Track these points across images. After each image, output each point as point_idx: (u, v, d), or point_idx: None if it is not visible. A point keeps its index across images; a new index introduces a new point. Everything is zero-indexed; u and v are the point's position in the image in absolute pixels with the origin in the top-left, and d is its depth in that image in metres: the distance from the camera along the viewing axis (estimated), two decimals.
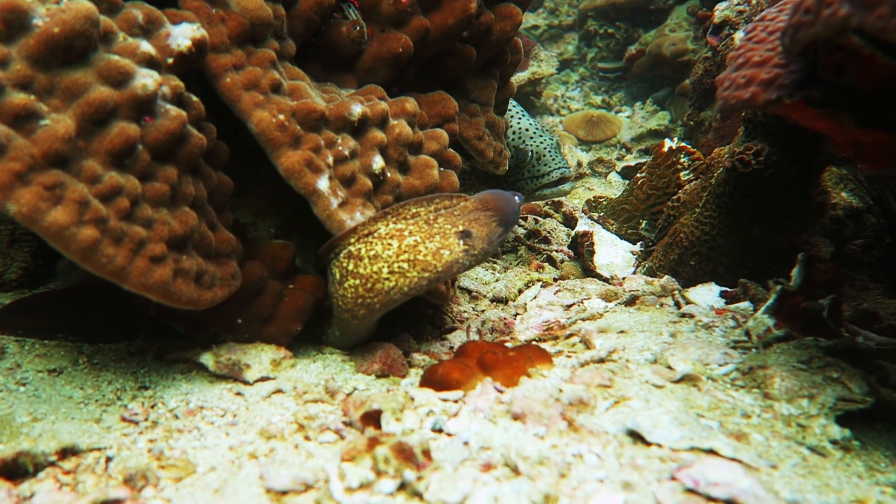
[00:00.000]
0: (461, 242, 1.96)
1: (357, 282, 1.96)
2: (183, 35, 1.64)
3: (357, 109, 2.04)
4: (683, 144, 4.24)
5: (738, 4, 5.31)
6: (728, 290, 2.84)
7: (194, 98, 1.72)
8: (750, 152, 2.78)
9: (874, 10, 1.01)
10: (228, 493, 1.32)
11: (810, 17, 1.16)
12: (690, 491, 1.28)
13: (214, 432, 1.59)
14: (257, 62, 1.90)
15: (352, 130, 2.06)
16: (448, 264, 1.94)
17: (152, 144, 1.56)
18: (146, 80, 1.52)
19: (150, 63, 1.58)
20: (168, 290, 1.58)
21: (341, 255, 2.01)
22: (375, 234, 1.98)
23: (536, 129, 3.46)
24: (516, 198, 2.21)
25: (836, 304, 2.35)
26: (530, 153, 3.33)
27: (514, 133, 3.40)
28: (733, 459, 1.41)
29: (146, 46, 1.57)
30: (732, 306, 2.69)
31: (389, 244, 1.94)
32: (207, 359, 1.89)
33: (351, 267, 1.97)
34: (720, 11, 5.21)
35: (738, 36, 1.69)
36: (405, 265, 1.92)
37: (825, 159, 2.94)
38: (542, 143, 3.39)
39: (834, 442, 1.60)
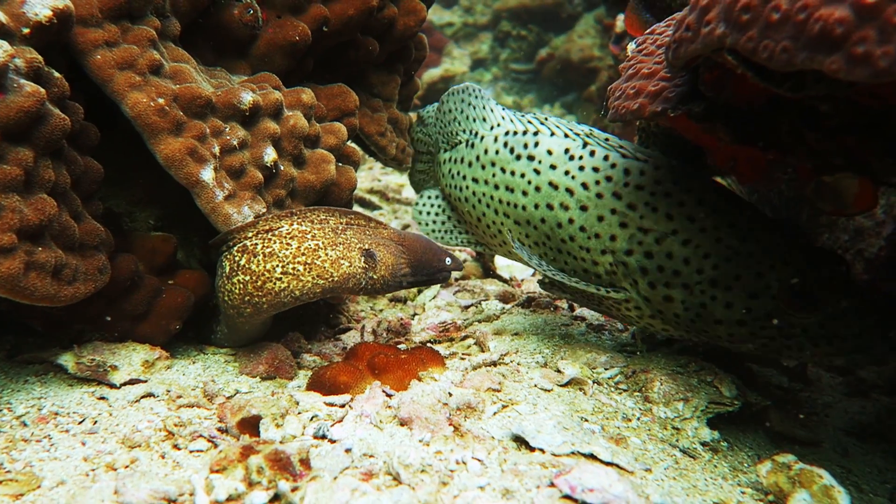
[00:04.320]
0: (362, 259, 1.89)
1: (247, 278, 1.86)
2: (42, 3, 1.48)
3: (248, 97, 1.93)
4: None
5: None
6: None
7: (56, 74, 1.56)
8: None
9: (746, 31, 1.04)
10: None
11: (691, 34, 1.19)
12: (567, 497, 1.28)
13: (68, 441, 1.44)
14: (134, 40, 1.75)
15: (242, 120, 1.95)
16: (345, 276, 1.87)
17: (2, 123, 1.40)
18: None
19: (1, 32, 1.41)
20: (18, 286, 1.42)
21: (235, 248, 1.90)
22: (276, 232, 1.88)
23: None
24: (447, 259, 2.08)
25: None
26: None
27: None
28: (610, 464, 1.43)
29: None
30: None
31: (288, 244, 1.85)
32: (67, 359, 1.72)
33: (243, 262, 1.87)
34: (622, 21, 5.41)
35: (630, 47, 1.73)
36: (301, 268, 1.84)
37: (711, 171, 3.09)
38: None
39: (704, 444, 1.68)
